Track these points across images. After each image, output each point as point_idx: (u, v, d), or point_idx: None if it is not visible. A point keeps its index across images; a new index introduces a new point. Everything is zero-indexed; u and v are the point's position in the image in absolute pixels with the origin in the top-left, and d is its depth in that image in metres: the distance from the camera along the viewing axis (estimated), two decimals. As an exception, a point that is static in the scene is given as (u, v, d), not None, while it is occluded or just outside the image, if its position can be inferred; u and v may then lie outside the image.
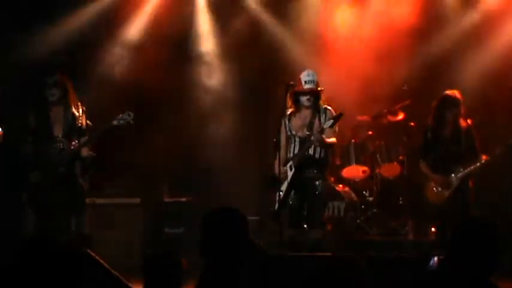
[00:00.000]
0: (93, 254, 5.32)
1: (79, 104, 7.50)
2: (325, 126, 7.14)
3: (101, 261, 5.32)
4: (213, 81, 10.22)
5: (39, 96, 7.45)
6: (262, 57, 9.96)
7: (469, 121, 7.85)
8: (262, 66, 9.90)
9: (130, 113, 7.39)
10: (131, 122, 7.42)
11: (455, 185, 7.75)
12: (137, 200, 8.98)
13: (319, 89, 7.36)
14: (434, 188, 7.88)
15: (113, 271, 5.29)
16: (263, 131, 8.80)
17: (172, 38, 9.95)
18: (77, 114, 7.41)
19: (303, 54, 9.95)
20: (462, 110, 7.76)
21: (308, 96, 7.29)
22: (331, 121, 7.12)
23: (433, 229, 8.47)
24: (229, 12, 10.12)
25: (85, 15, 9.70)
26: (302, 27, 10.13)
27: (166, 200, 9.31)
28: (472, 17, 9.73)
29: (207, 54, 10.24)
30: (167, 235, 8.93)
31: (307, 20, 10.15)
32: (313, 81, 7.29)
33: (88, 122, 7.58)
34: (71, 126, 7.39)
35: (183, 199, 9.23)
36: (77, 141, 7.39)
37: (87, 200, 8.90)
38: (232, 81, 10.17)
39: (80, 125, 7.43)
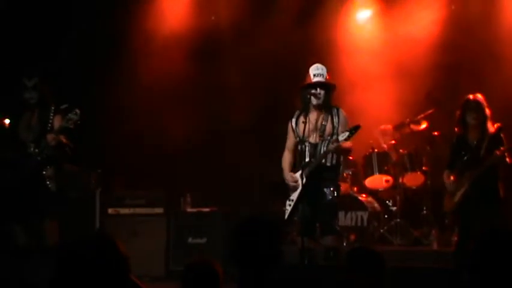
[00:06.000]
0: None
1: (53, 107, 7.14)
2: (340, 139, 6.62)
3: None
4: (227, 87, 10.27)
5: (16, 99, 7.16)
6: (278, 64, 9.97)
7: (497, 125, 7.26)
8: (280, 74, 9.89)
9: (77, 111, 6.90)
10: (79, 122, 6.90)
11: (464, 189, 7.19)
12: (160, 210, 9.02)
13: (331, 83, 6.86)
14: (448, 196, 7.41)
15: (138, 281, 5.30)
16: (283, 137, 8.78)
17: (186, 39, 10.05)
18: (50, 118, 7.08)
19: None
20: (487, 114, 7.23)
21: (318, 90, 6.77)
22: (347, 134, 6.56)
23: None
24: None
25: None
26: (322, 37, 10.12)
27: (189, 210, 9.33)
28: (495, 28, 9.68)
29: (222, 56, 10.29)
30: (190, 245, 8.93)
31: (328, 29, 10.16)
32: (323, 75, 6.79)
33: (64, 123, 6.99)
34: (42, 131, 7.07)
35: (206, 209, 9.24)
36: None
37: (111, 211, 8.99)
38: (247, 85, 10.17)
39: (50, 128, 7.07)
